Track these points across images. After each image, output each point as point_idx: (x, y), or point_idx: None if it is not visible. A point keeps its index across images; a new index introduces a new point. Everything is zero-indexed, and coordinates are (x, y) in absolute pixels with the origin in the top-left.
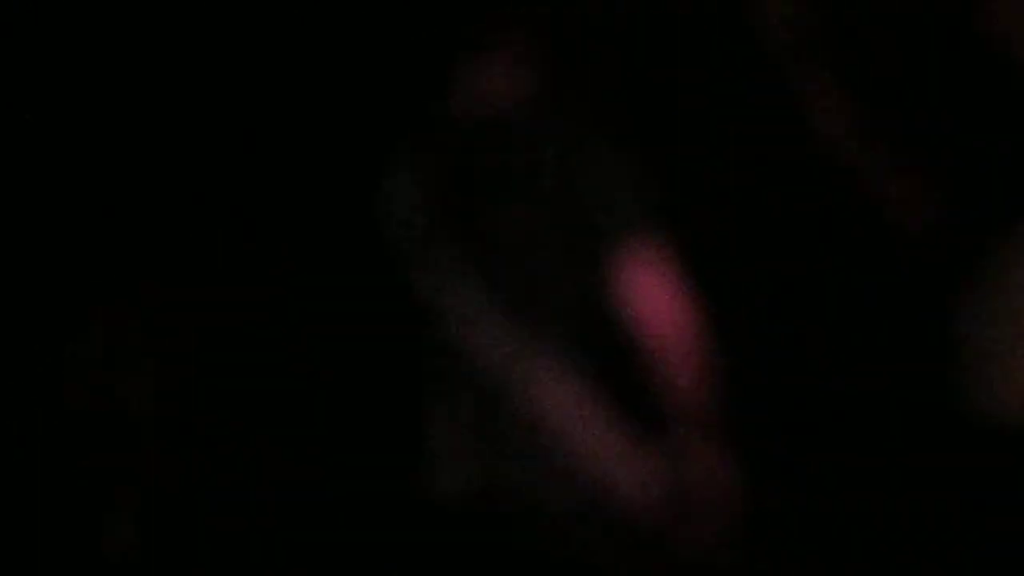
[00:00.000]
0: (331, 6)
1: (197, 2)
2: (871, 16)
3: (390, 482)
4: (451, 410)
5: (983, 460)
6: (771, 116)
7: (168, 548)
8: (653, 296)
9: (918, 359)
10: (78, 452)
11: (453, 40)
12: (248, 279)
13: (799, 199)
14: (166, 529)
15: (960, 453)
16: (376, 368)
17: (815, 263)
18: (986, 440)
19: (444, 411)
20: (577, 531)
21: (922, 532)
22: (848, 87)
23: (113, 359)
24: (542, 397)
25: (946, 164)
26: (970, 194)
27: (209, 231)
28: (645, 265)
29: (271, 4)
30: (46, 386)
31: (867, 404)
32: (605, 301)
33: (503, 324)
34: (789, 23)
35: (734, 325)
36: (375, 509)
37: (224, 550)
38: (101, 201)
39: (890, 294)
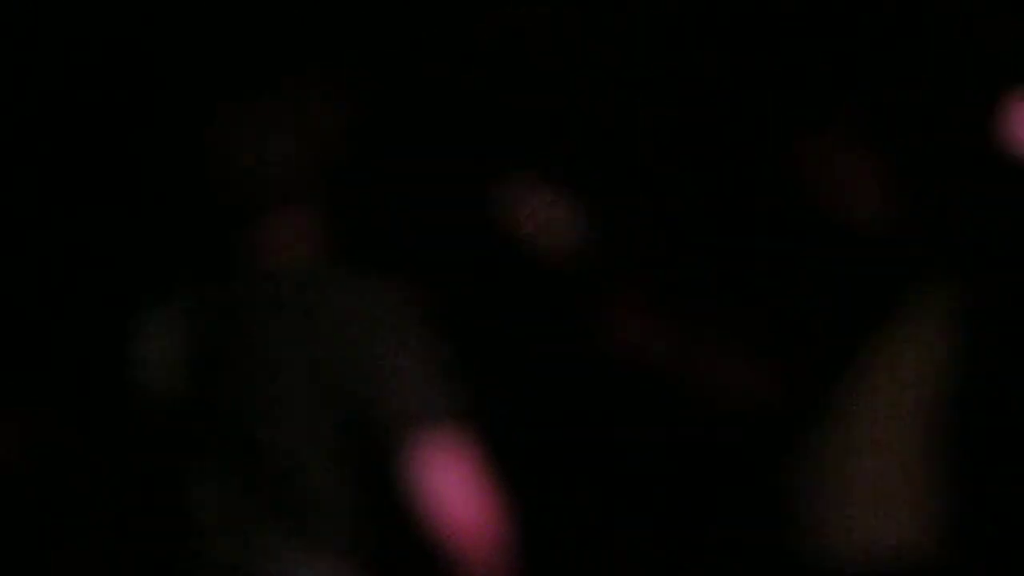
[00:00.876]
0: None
1: None
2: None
3: None
4: None
5: None
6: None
7: None
8: (449, 485)
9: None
10: None
11: (239, 198)
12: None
13: (603, 387)
14: None
15: None
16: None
17: (626, 446)
18: None
19: None
20: None
21: None
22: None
23: None
24: None
25: (773, 336)
26: (801, 366)
27: None
28: (441, 454)
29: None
30: None
31: None
32: (394, 495)
33: (270, 514)
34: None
35: (540, 521)
36: None
37: None
38: None
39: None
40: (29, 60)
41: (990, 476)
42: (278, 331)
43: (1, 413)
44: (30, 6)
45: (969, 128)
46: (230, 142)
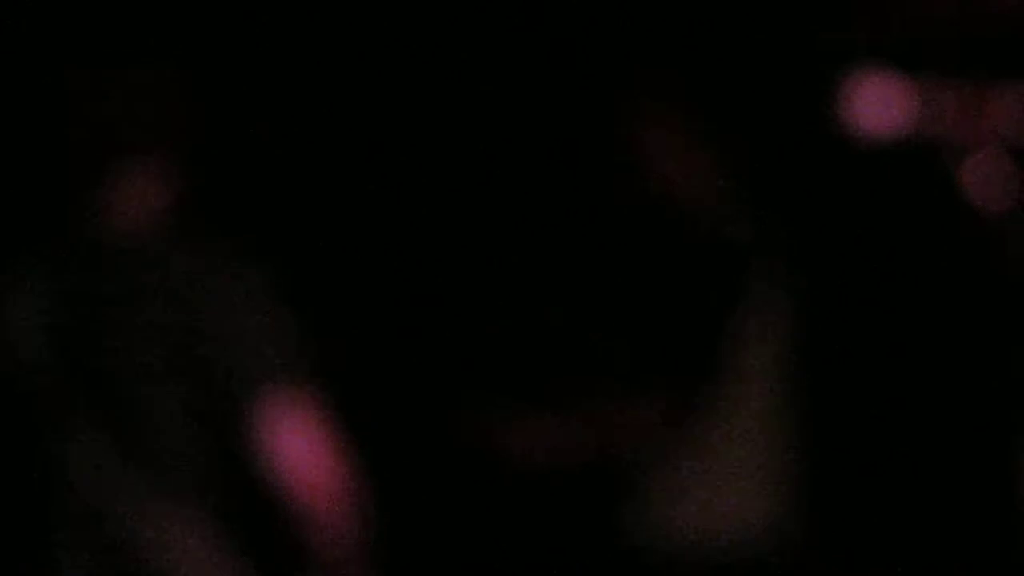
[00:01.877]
0: None
1: None
2: None
3: None
4: (81, 560)
5: None
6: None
7: None
8: (294, 442)
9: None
10: None
11: (85, 157)
12: None
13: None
14: None
15: None
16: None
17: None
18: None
19: (74, 561)
20: None
21: None
22: None
23: None
24: (172, 545)
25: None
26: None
27: None
28: (286, 412)
29: None
30: None
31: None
32: (243, 447)
33: (130, 469)
34: None
35: (379, 469)
36: None
37: None
38: None
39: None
40: None
41: (833, 457)
42: (132, 295)
43: None
44: None
45: (809, 110)
46: (72, 98)
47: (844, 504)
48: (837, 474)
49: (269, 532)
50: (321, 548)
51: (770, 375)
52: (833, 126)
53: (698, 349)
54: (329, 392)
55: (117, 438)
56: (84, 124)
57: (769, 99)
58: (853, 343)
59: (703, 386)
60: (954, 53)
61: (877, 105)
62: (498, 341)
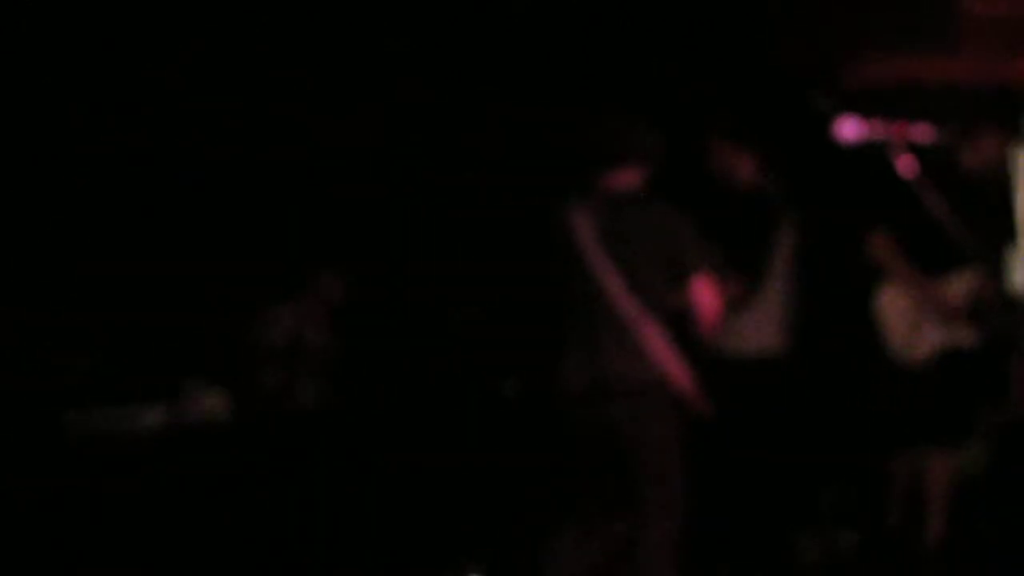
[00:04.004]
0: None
1: None
2: None
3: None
4: (586, 337)
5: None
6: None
7: None
8: (705, 296)
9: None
10: None
11: (600, 161)
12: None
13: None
14: None
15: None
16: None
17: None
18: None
19: (579, 338)
20: (648, 397)
21: None
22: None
23: None
24: (643, 331)
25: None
26: None
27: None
28: (703, 282)
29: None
30: None
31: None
32: (682, 297)
33: (631, 296)
34: None
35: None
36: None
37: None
38: None
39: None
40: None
41: (816, 313)
42: (635, 223)
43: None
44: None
45: (816, 133)
46: (600, 129)
47: (819, 338)
48: (816, 323)
49: (683, 331)
50: (705, 341)
51: (787, 269)
52: (829, 139)
53: (753, 254)
54: (721, 275)
55: (627, 280)
56: (595, 144)
57: (793, 128)
58: (833, 255)
59: (754, 273)
60: (893, 107)
61: (852, 130)
62: None
